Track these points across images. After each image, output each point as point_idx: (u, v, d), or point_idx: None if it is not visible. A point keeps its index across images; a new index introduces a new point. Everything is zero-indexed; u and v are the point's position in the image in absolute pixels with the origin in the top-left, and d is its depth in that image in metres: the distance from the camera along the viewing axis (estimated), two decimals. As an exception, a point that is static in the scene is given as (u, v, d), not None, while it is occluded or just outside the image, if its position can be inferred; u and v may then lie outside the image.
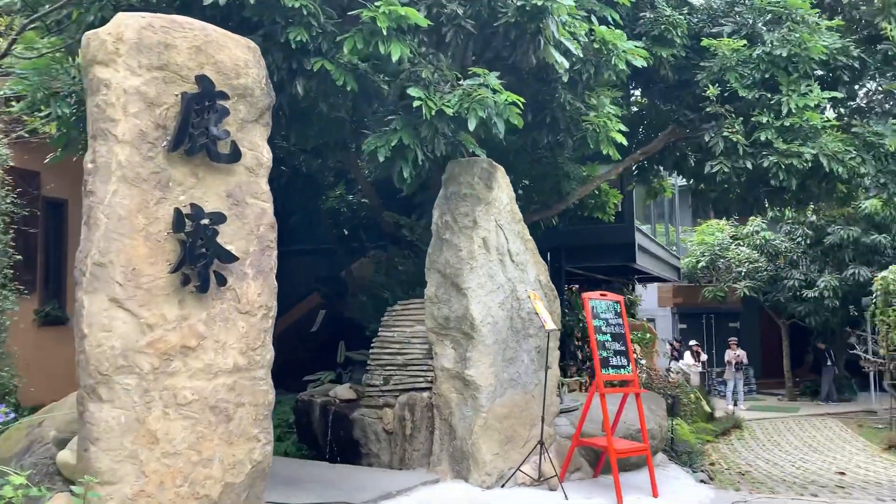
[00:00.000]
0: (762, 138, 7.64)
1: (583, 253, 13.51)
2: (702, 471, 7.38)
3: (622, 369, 5.94)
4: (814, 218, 21.05)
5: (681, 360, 21.58)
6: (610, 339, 5.93)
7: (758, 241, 22.16)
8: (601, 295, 6.11)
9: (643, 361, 12.36)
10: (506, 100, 5.46)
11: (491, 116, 5.47)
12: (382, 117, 6.02)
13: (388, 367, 6.19)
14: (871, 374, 20.39)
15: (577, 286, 16.67)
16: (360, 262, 11.18)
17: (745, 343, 24.65)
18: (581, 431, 5.95)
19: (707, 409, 13.83)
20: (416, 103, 5.35)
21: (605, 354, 5.84)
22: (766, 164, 7.60)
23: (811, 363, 25.73)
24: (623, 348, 6.03)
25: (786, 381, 23.55)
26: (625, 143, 7.52)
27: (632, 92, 10.48)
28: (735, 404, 19.19)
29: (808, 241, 21.60)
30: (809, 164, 7.48)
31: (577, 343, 11.78)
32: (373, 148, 5.67)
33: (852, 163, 7.79)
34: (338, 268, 11.25)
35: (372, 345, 6.47)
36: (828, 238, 20.84)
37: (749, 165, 7.78)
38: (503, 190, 5.98)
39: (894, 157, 8.19)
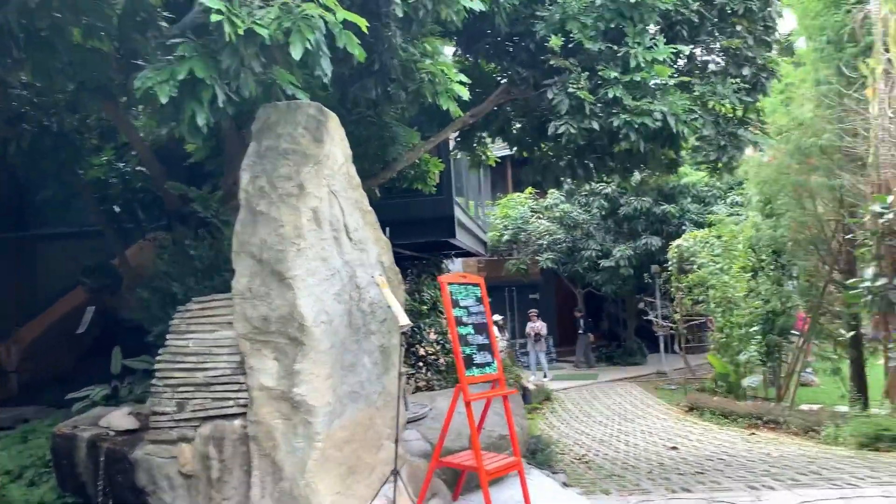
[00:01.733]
0: (610, 95, 6.89)
1: (403, 228, 12.32)
2: (561, 471, 6.54)
3: (487, 367, 4.83)
4: (609, 190, 21.67)
5: None
6: (473, 332, 4.79)
7: (557, 214, 22.47)
8: (461, 278, 4.94)
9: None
10: (342, 21, 4.03)
11: (319, 45, 4.03)
12: (164, 43, 4.33)
13: (182, 388, 4.54)
14: (661, 339, 21.55)
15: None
16: (137, 247, 9.11)
17: (545, 313, 25.12)
18: (441, 448, 4.77)
19: (523, 385, 13.40)
20: (213, 18, 3.77)
21: (468, 351, 4.69)
22: (616, 124, 6.86)
23: (606, 330, 26.93)
24: (487, 341, 4.92)
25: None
26: (467, 95, 6.41)
27: (456, 50, 9.43)
28: (545, 376, 19.24)
29: (604, 213, 22.25)
30: (660, 124, 6.86)
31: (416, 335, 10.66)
32: (150, 85, 4.00)
33: (695, 124, 7.31)
34: (108, 255, 9.09)
35: (158, 357, 4.77)
36: (622, 209, 21.57)
37: (596, 125, 7.01)
38: (337, 145, 4.54)
39: (731, 120, 7.87)
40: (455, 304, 4.76)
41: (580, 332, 23.61)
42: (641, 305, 23.44)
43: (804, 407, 13.55)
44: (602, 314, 26.65)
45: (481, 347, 4.83)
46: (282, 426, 4.14)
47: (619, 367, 23.48)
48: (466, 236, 14.85)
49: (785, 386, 12.78)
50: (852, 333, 10.85)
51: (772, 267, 12.44)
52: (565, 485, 6.08)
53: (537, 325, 21.28)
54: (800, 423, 10.61)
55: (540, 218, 23.04)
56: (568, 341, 26.33)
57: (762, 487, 5.79)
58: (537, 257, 22.56)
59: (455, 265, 24.50)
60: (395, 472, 4.42)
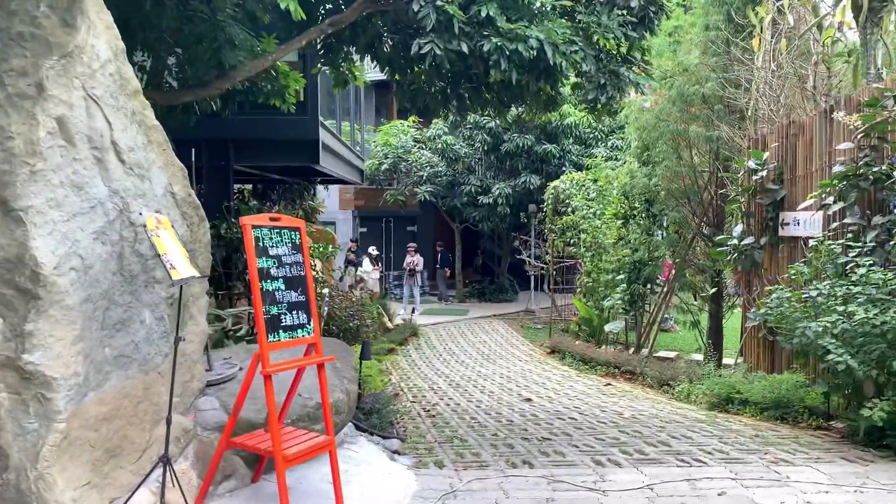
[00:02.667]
0: (482, 14, 6.01)
1: (257, 149, 11.15)
2: (396, 436, 5.87)
3: (300, 330, 3.98)
4: (493, 125, 21.00)
5: (359, 268, 20.58)
6: (283, 288, 3.91)
7: (439, 146, 21.64)
8: (271, 220, 4.01)
9: (325, 280, 10.64)
10: None
11: None
12: None
13: None
14: (532, 278, 21.50)
15: (251, 187, 14.28)
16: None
17: (422, 246, 24.54)
18: (237, 423, 3.93)
19: (388, 324, 12.75)
20: None
21: (275, 311, 3.82)
22: (486, 48, 6.01)
23: (480, 266, 26.72)
24: (303, 298, 4.05)
25: (456, 284, 23.98)
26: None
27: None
28: (413, 312, 18.74)
29: (486, 148, 21.62)
30: (535, 53, 6.06)
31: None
32: None
33: (575, 57, 6.57)
34: None
35: None
36: (504, 145, 21.01)
37: (465, 48, 6.13)
38: (101, 35, 3.41)
39: (615, 57, 7.19)
40: (262, 252, 3.84)
41: (436, 266, 23.49)
42: (516, 244, 23.29)
43: (662, 353, 13.72)
44: (478, 251, 26.39)
45: (294, 306, 3.96)
46: (7, 402, 3.16)
47: (490, 304, 23.40)
48: (337, 162, 13.78)
49: (645, 335, 12.77)
50: (714, 290, 10.77)
51: (643, 216, 12.19)
52: (397, 453, 5.41)
53: (415, 260, 20.69)
54: (656, 376, 10.52)
55: (422, 148, 22.14)
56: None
57: (608, 463, 5.34)
58: (416, 189, 21.77)
59: (329, 193, 23.35)
60: (165, 460, 3.54)
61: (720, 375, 8.88)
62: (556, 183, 17.18)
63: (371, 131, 22.78)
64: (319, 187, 22.75)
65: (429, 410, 8.20)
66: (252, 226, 3.81)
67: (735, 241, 8.81)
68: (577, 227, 15.66)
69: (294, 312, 3.95)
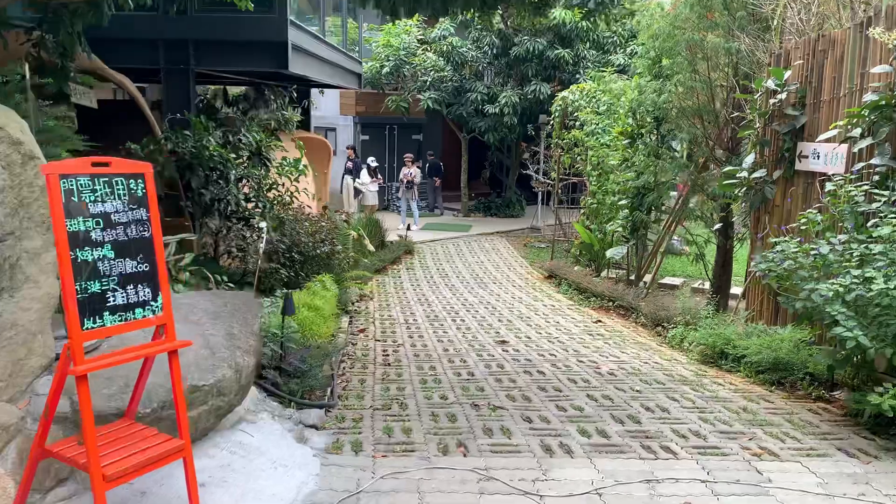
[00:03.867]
0: None
1: (219, 51, 10.03)
2: (321, 404, 5.06)
3: (140, 310, 3.09)
4: (503, 26, 19.41)
5: (357, 179, 19.64)
6: (113, 256, 3.00)
7: (444, 48, 20.14)
8: (95, 165, 3.02)
9: (290, 203, 9.70)
10: None
11: None
12: None
13: None
14: (540, 194, 20.41)
15: (220, 88, 13.12)
16: None
17: (427, 157, 23.43)
18: (51, 425, 3.11)
19: (370, 247, 11.89)
20: None
21: (96, 288, 2.92)
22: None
23: (487, 179, 25.63)
24: (145, 268, 3.14)
25: (462, 197, 23.02)
26: None
27: None
28: (409, 228, 17.85)
29: (495, 52, 20.11)
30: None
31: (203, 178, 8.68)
32: None
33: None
34: None
35: None
36: (514, 49, 19.49)
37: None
38: None
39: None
40: (77, 210, 2.91)
41: (424, 176, 22.80)
42: (526, 157, 22.13)
43: (667, 280, 12.80)
44: (486, 162, 25.23)
45: (130, 279, 3.06)
46: None
47: (496, 219, 22.48)
48: (319, 67, 12.58)
49: (646, 265, 11.80)
50: (721, 223, 9.71)
51: (651, 136, 10.98)
52: (314, 428, 4.62)
53: (412, 171, 19.66)
54: (651, 314, 9.65)
55: (427, 51, 20.66)
56: (452, 187, 24.97)
57: (558, 450, 4.53)
58: (420, 95, 20.44)
59: (329, 96, 22.06)
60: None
61: (718, 323, 7.97)
62: (564, 93, 15.82)
63: (373, 30, 21.25)
64: (315, 91, 21.54)
65: (388, 355, 7.42)
66: (60, 175, 2.86)
67: (745, 173, 7.70)
68: (583, 144, 14.46)
69: (129, 287, 3.05)
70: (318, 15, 12.93)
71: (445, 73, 20.27)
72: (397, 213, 20.97)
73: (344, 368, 6.61)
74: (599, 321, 10.11)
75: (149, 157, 8.37)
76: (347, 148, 20.99)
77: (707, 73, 9.74)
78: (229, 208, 8.78)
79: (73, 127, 6.83)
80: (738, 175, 7.80)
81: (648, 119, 10.84)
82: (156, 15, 9.64)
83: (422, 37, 20.67)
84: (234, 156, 8.79)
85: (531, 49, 18.91)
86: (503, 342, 8.40)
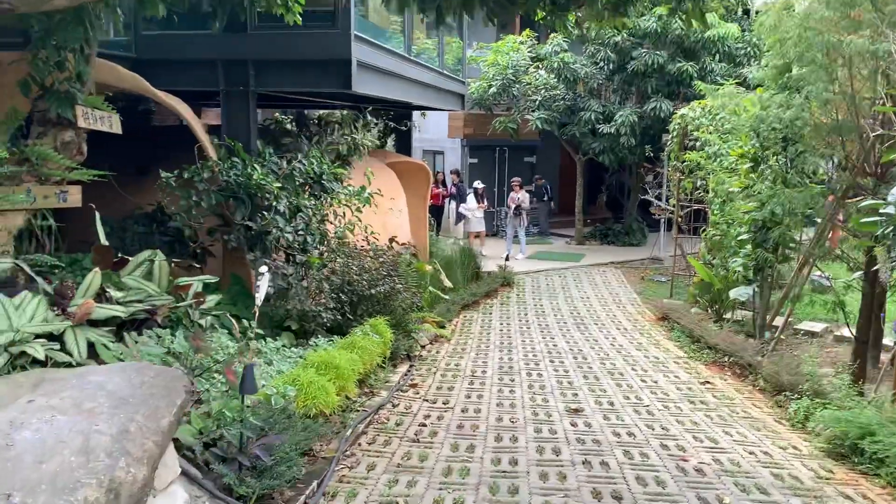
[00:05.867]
0: None
1: (279, 70, 9.29)
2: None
3: None
4: (618, 39, 17.80)
5: (462, 204, 18.65)
6: None
7: (556, 64, 18.77)
8: None
9: (342, 236, 8.71)
10: None
11: None
12: None
13: None
14: (663, 220, 18.53)
15: (286, 116, 12.40)
16: None
17: (535, 181, 22.12)
18: None
19: (447, 282, 10.72)
20: None
21: None
22: None
23: (604, 203, 23.93)
24: None
25: (576, 223, 21.44)
26: None
27: None
28: (507, 259, 16.56)
29: (612, 67, 18.51)
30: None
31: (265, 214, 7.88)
32: None
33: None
34: None
35: None
36: (631, 64, 17.82)
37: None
38: None
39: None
40: None
41: (545, 199, 21.69)
42: (649, 179, 20.31)
43: (806, 325, 10.75)
44: (602, 186, 23.51)
45: None
46: None
47: (613, 248, 20.71)
48: (402, 87, 11.66)
49: (774, 313, 9.89)
50: (866, 268, 7.78)
51: (778, 159, 9.14)
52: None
53: (519, 196, 18.38)
54: (772, 377, 7.84)
55: (538, 68, 19.37)
56: (565, 212, 23.51)
57: None
58: (528, 116, 19.16)
59: (437, 118, 21.24)
60: None
61: (854, 399, 6.16)
62: (683, 110, 14.05)
63: (482, 49, 20.22)
64: (426, 113, 20.76)
65: (424, 426, 6.20)
66: None
67: (892, 209, 5.88)
68: (703, 167, 12.65)
69: None
70: (403, 31, 12.04)
71: (557, 92, 18.88)
72: (504, 240, 19.75)
73: (360, 444, 5.45)
74: (708, 382, 8.38)
75: (186, 186, 7.67)
76: (451, 172, 20.05)
77: (849, 82, 7.90)
78: (278, 242, 7.93)
79: (79, 154, 6.16)
80: (882, 211, 5.99)
81: (773, 139, 9.01)
82: (213, 34, 9.02)
83: (531, 53, 19.42)
84: (279, 185, 7.92)
85: (650, 63, 17.18)
86: (576, 411, 6.94)
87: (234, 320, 6.52)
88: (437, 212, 19.17)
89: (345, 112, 10.60)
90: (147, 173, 9.31)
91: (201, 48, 9.11)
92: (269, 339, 6.97)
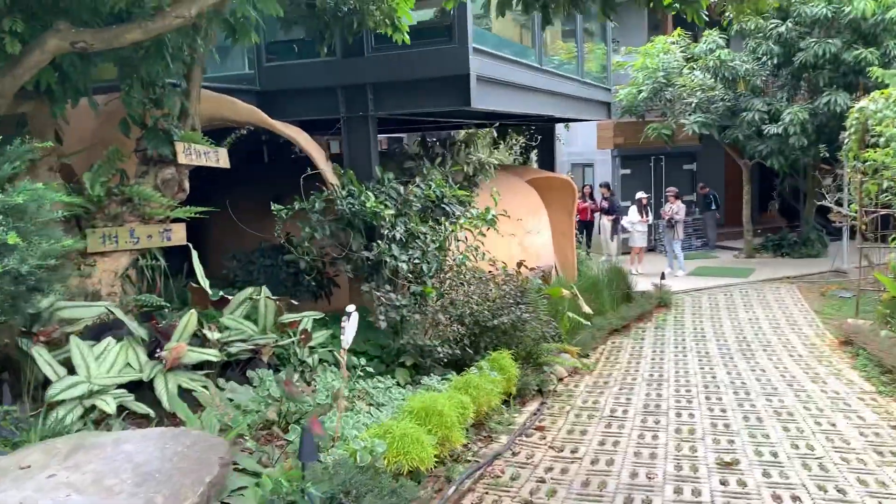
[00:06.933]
0: None
1: (397, 92, 8.96)
2: None
3: None
4: (783, 29, 16.02)
5: (624, 217, 17.62)
6: None
7: (711, 63, 17.24)
8: None
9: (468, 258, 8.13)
10: None
11: None
12: None
13: None
14: (844, 229, 16.39)
15: (410, 140, 12.01)
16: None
17: (699, 190, 20.48)
18: None
19: (585, 308, 9.81)
20: None
21: None
22: None
23: (777, 210, 21.74)
24: None
25: (745, 234, 19.57)
26: None
27: None
28: (663, 277, 15.24)
29: (776, 61, 16.70)
30: None
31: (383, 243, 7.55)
32: None
33: None
34: None
35: None
36: (798, 55, 15.95)
37: None
38: None
39: None
40: None
41: (712, 207, 20.23)
42: (828, 182, 18.14)
43: None
44: (773, 192, 21.35)
45: None
46: None
47: (787, 261, 18.65)
48: (534, 99, 11.01)
49: None
50: None
51: None
52: None
53: (673, 208, 17.04)
54: None
55: (693, 69, 17.92)
56: (732, 222, 21.61)
57: None
58: (683, 120, 17.73)
59: (585, 129, 20.28)
60: None
61: None
62: (862, 104, 12.22)
63: (630, 53, 19.05)
64: (570, 126, 19.86)
65: (540, 486, 5.42)
66: None
67: None
68: (888, 167, 10.87)
69: None
70: (533, 41, 11.37)
71: (715, 92, 17.31)
72: (664, 255, 18.39)
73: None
74: (902, 426, 6.92)
75: (298, 218, 7.46)
76: (601, 185, 19.00)
77: None
78: (396, 272, 7.52)
79: (181, 191, 6.05)
80: None
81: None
82: (331, 60, 8.87)
83: (685, 53, 17.98)
84: (392, 212, 7.51)
85: (821, 53, 15.25)
86: (729, 465, 5.87)
87: (342, 357, 6.11)
88: (586, 227, 18.22)
89: (471, 130, 10.10)
90: (284, 203, 9.33)
91: (320, 76, 8.98)
92: (380, 378, 6.51)
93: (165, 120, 5.73)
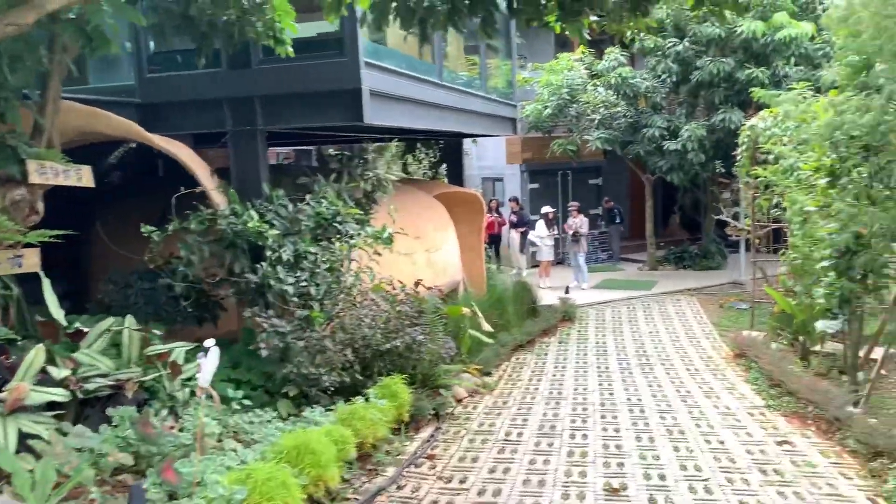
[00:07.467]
0: None
1: (288, 106, 8.61)
2: None
3: None
4: (680, 48, 16.49)
5: (532, 231, 17.69)
6: None
7: (614, 80, 17.58)
8: None
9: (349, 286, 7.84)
10: None
11: None
12: None
13: None
14: (741, 242, 16.93)
15: (291, 157, 11.67)
16: None
17: (615, 202, 20.84)
18: None
19: (486, 326, 9.68)
20: None
21: None
22: None
23: (679, 223, 22.38)
24: None
25: (648, 247, 20.00)
26: None
27: None
28: (567, 291, 15.37)
29: (674, 79, 17.17)
30: None
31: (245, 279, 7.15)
32: None
33: None
34: None
35: None
36: (695, 74, 16.45)
37: None
38: None
39: None
40: None
41: (616, 221, 20.63)
42: (726, 196, 18.71)
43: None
44: (675, 206, 21.98)
45: None
46: None
47: (689, 273, 19.16)
48: (432, 114, 10.84)
49: (866, 353, 8.42)
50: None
51: (858, 173, 7.73)
52: None
53: (577, 222, 17.24)
54: (865, 435, 6.47)
55: (597, 86, 18.21)
56: (636, 236, 22.09)
57: None
58: (587, 136, 17.99)
59: (495, 144, 20.35)
60: None
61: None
62: (752, 122, 12.63)
63: (537, 70, 19.23)
64: (483, 141, 19.88)
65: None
66: None
67: None
68: (777, 183, 11.21)
69: None
70: (434, 56, 11.22)
71: (618, 109, 17.66)
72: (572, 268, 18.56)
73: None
74: (786, 442, 7.03)
75: (175, 238, 7.00)
76: (510, 200, 19.09)
77: (942, 75, 6.53)
78: (286, 295, 7.15)
79: (33, 213, 5.54)
80: None
81: (852, 149, 7.64)
82: (217, 72, 8.46)
83: (588, 71, 18.26)
84: (277, 231, 7.15)
85: (716, 71, 15.76)
86: (616, 491, 5.79)
87: (214, 392, 5.70)
88: (494, 241, 18.23)
89: (370, 145, 9.83)
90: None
91: (206, 88, 8.54)
92: (259, 412, 6.14)
93: (12, 136, 5.23)
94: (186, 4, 6.46)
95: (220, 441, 5.28)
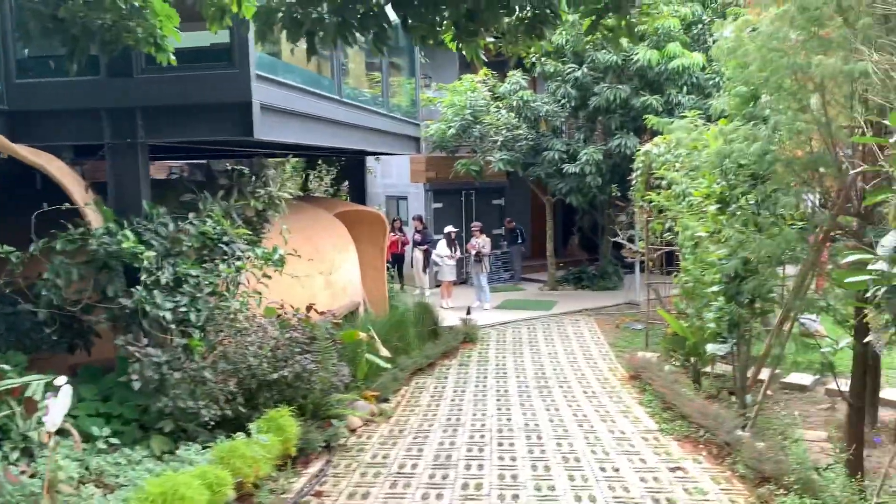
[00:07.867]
0: None
1: (173, 118, 8.09)
2: None
3: None
4: (579, 74, 16.83)
5: (434, 250, 17.48)
6: None
7: (515, 103, 17.75)
8: None
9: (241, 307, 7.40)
10: None
11: None
12: None
13: None
14: (636, 263, 17.35)
15: (182, 170, 11.13)
16: None
17: (518, 223, 20.96)
18: None
19: (383, 351, 9.38)
20: None
21: None
22: None
23: (579, 244, 22.80)
24: None
25: (549, 267, 20.21)
26: None
27: None
28: (469, 312, 15.26)
29: (573, 104, 17.49)
30: None
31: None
32: None
33: None
34: None
35: None
36: (594, 99, 16.81)
37: None
38: None
39: None
40: None
41: (518, 241, 20.92)
42: (622, 219, 19.14)
43: (794, 377, 9.68)
44: (573, 228, 22.40)
45: None
46: None
47: (587, 293, 19.45)
48: (329, 132, 10.50)
49: (754, 376, 8.64)
50: (856, 325, 6.56)
51: (747, 200, 7.95)
52: None
53: (479, 242, 17.20)
54: (754, 461, 6.56)
55: (499, 108, 18.33)
56: (536, 256, 22.33)
57: None
58: (490, 157, 18.06)
59: (399, 163, 20.16)
60: None
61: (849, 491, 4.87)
62: (646, 148, 12.96)
63: (441, 89, 19.19)
64: (387, 159, 19.64)
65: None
66: None
67: (884, 265, 4.65)
68: (669, 209, 11.49)
69: None
70: (332, 71, 10.91)
71: (520, 131, 17.83)
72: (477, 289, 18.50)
73: None
74: (679, 468, 7.06)
75: (42, 258, 6.38)
76: (414, 218, 18.90)
77: (822, 109, 6.77)
78: (164, 322, 6.62)
79: None
80: (871, 267, 4.76)
81: (741, 177, 7.85)
82: (95, 79, 7.86)
83: (490, 92, 18.38)
84: (153, 252, 6.64)
85: (612, 98, 16.16)
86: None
87: (74, 431, 5.15)
88: (397, 260, 17.97)
89: (264, 160, 9.42)
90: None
91: (81, 96, 7.90)
92: (129, 450, 5.61)
93: None
94: (56, 5, 5.93)
95: (79, 487, 4.75)
